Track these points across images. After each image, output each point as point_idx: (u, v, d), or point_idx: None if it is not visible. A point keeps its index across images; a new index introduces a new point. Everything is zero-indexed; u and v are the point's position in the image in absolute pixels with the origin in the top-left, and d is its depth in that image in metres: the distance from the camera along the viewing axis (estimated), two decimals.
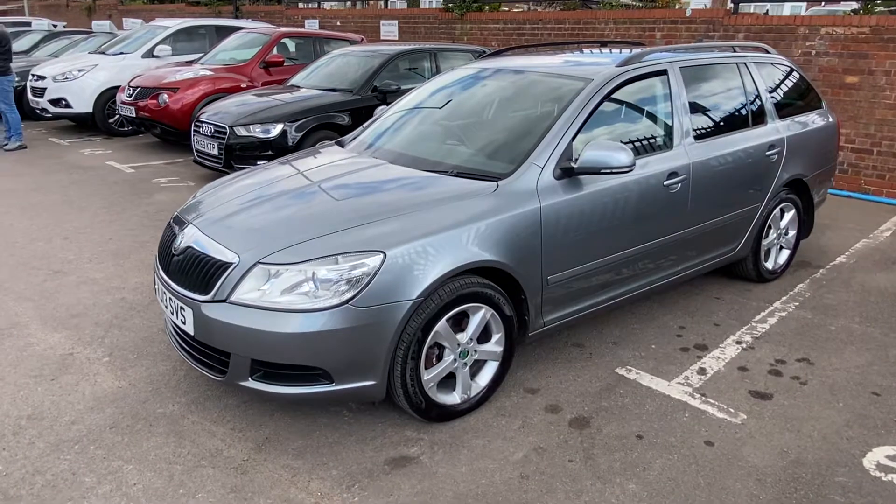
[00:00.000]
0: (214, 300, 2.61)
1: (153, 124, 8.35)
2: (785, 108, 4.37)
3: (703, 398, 3.11)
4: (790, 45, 7.07)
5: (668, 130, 3.59)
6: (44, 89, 9.45)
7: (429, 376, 2.76)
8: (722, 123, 3.90)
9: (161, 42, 9.97)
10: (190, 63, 9.22)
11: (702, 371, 3.35)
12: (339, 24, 12.23)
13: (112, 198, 6.47)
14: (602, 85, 3.34)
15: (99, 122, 9.58)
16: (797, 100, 4.52)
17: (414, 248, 2.61)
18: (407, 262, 2.58)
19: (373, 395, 2.66)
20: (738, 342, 3.65)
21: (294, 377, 2.59)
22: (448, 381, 2.90)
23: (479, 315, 2.84)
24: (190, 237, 2.85)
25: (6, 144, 8.65)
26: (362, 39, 9.95)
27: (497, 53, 4.44)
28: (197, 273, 2.71)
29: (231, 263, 2.62)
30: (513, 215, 2.88)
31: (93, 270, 4.59)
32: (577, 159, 3.05)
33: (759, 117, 4.14)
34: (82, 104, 9.42)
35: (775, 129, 4.19)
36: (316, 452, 2.72)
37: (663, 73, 3.66)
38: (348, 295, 2.50)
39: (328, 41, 9.61)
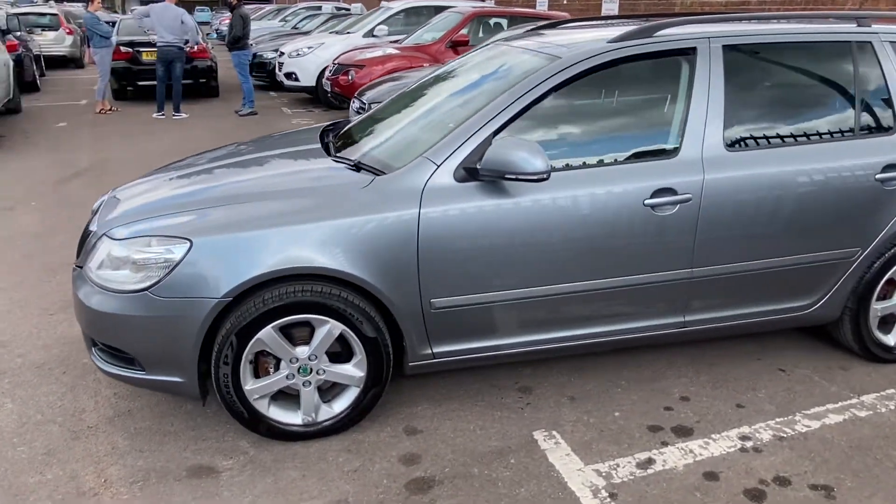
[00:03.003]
0: (78, 266, 2.66)
1: (344, 99, 8.94)
2: None
3: (608, 500, 2.26)
4: None
5: (678, 131, 2.63)
6: (282, 64, 10.76)
7: (254, 386, 2.46)
8: (792, 128, 2.74)
9: (381, 22, 10.58)
10: (394, 42, 9.64)
11: (645, 464, 2.44)
12: (565, 2, 11.65)
13: None
14: (567, 66, 2.57)
15: (320, 95, 10.60)
16: None
17: (228, 240, 2.33)
18: (217, 255, 2.31)
19: (187, 393, 2.47)
20: (745, 438, 2.58)
21: (118, 357, 2.52)
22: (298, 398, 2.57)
23: (325, 330, 2.44)
24: (98, 203, 2.95)
25: (240, 110, 10.08)
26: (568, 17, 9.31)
27: (543, 28, 3.70)
28: (82, 239, 2.79)
29: (91, 231, 2.64)
30: (376, 218, 2.39)
31: None
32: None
33: (876, 124, 2.82)
34: (307, 78, 10.51)
35: None
36: (149, 438, 2.63)
37: (689, 52, 2.68)
38: (150, 282, 2.33)
39: (528, 19, 9.20)
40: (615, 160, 2.59)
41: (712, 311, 2.80)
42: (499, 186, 2.47)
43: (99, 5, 9.90)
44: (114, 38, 10.20)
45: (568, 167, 2.55)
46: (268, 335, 2.40)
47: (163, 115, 9.75)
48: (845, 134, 2.79)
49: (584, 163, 2.58)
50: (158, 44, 9.37)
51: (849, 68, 2.81)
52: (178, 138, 8.37)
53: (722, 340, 3.28)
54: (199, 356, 2.39)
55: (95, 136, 8.48)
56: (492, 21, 9.37)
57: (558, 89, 2.56)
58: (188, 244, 2.32)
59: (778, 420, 2.69)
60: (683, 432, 2.62)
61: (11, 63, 9.82)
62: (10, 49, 11.14)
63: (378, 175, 2.52)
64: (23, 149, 7.79)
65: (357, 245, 2.37)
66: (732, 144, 2.66)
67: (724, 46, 2.70)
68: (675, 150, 2.61)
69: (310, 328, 2.47)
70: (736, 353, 3.19)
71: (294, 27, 17.82)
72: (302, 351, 2.46)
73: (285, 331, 2.46)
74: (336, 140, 3.15)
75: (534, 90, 2.53)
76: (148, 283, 2.33)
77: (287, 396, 2.58)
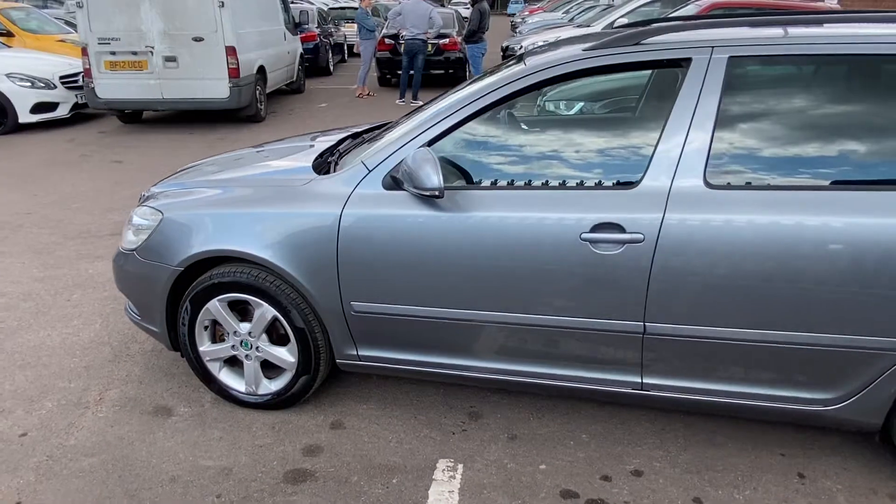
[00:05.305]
0: None
1: None
2: None
3: None
4: None
5: (645, 159, 2.19)
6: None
7: (206, 349, 2.78)
8: (815, 169, 2.07)
9: (623, 15, 10.10)
10: None
11: None
12: None
13: None
14: (523, 76, 2.32)
15: None
16: None
17: (185, 217, 2.64)
18: (176, 229, 2.65)
19: (162, 341, 2.88)
20: None
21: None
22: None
23: (260, 312, 2.64)
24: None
25: None
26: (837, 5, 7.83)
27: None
28: None
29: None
30: (301, 213, 2.48)
31: None
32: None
33: None
34: None
35: None
36: (155, 373, 3.12)
37: (680, 63, 2.19)
38: (138, 244, 2.78)
39: (778, 10, 7.95)
40: (559, 184, 2.28)
41: (680, 378, 2.30)
42: (423, 199, 2.37)
43: (370, 2, 11.21)
44: (379, 32, 11.50)
45: (501, 186, 2.33)
46: (213, 307, 2.68)
47: (404, 101, 10.72)
48: None
49: (524, 182, 2.32)
50: (406, 37, 10.30)
51: None
52: None
53: (748, 422, 2.65)
54: (168, 313, 2.78)
55: (340, 116, 9.72)
56: (736, 12, 8.30)
57: (509, 100, 2.34)
58: (161, 216, 2.71)
59: None
60: None
61: (300, 51, 11.73)
62: (309, 39, 13.28)
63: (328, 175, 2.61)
64: (279, 123, 9.31)
65: (284, 237, 2.50)
66: (717, 181, 2.13)
67: (732, 58, 2.16)
68: (637, 180, 2.19)
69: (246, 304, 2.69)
70: (755, 441, 2.55)
71: (571, 19, 17.91)
72: (244, 327, 2.70)
73: (238, 305, 2.72)
74: (356, 139, 3.27)
75: (480, 100, 2.35)
76: (136, 245, 2.78)
77: (241, 364, 2.84)
